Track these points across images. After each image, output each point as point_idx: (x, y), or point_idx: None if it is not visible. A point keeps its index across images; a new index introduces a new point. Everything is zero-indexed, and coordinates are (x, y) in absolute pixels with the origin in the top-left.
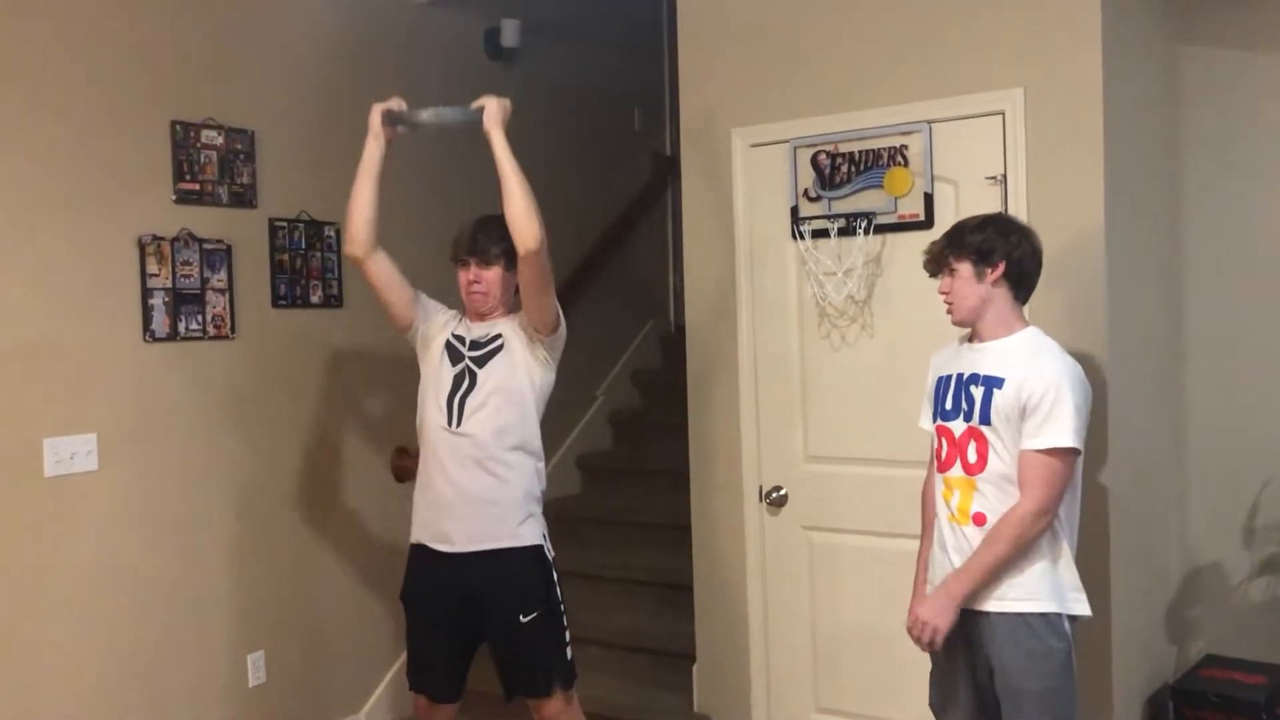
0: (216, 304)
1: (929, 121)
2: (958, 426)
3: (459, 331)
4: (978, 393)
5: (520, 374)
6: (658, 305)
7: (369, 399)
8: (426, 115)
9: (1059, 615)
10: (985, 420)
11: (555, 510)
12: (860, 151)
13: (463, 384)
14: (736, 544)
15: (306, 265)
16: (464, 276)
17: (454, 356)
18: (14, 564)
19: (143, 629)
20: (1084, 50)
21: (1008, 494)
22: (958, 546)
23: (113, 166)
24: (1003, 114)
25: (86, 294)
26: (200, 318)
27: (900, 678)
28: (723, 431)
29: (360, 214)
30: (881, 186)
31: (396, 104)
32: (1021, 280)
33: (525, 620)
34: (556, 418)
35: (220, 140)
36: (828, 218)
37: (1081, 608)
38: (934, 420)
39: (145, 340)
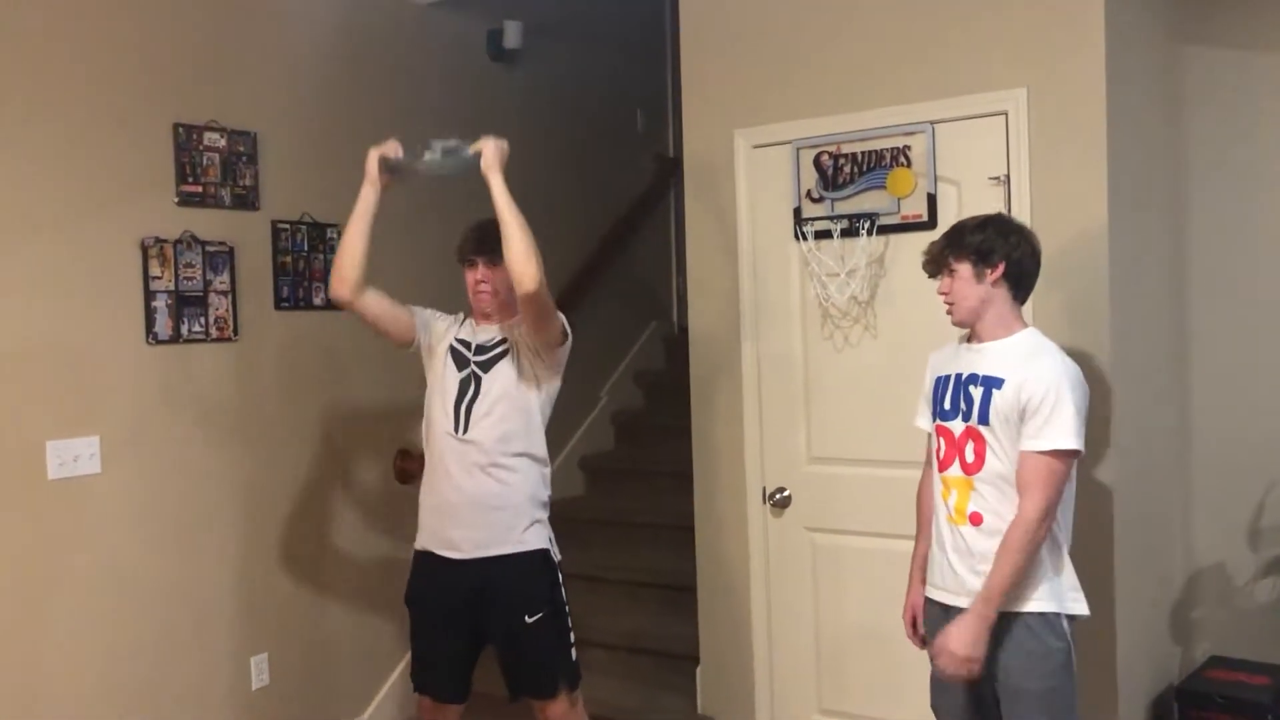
0: (219, 306)
1: (932, 122)
2: (956, 426)
3: (463, 336)
4: (977, 393)
5: (526, 379)
6: (661, 306)
7: (372, 401)
8: (423, 164)
9: (1057, 615)
10: (984, 420)
11: (558, 511)
12: (863, 152)
13: (469, 390)
14: (740, 545)
15: (309, 267)
16: (471, 277)
17: (459, 362)
18: (17, 567)
19: (145, 631)
20: (1087, 50)
21: (1005, 494)
22: (956, 546)
23: (115, 169)
24: (1006, 114)
25: (89, 296)
26: (203, 320)
27: (903, 679)
28: (726, 432)
29: (351, 259)
30: (884, 187)
31: (393, 149)
32: (1021, 281)
33: (530, 621)
34: (559, 419)
35: (222, 142)
36: (830, 219)
37: (1080, 607)
38: (933, 420)
39: (148, 342)
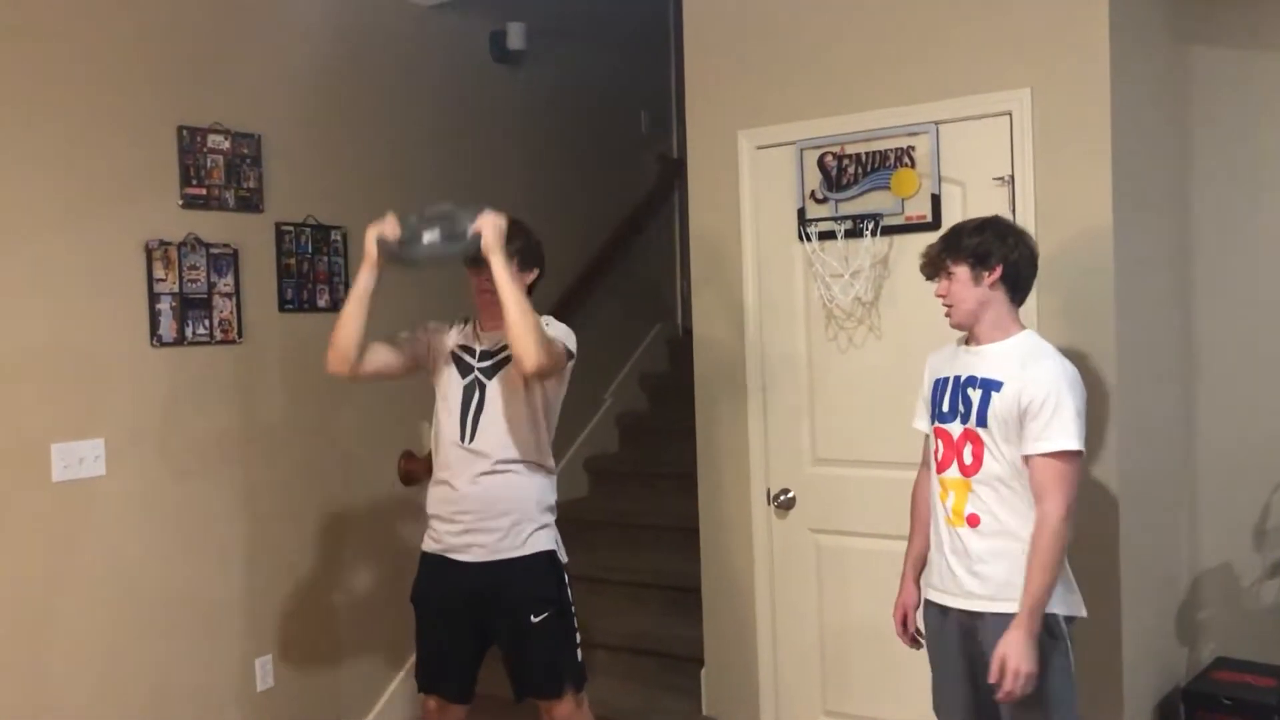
0: (223, 308)
1: (936, 122)
2: (955, 429)
3: (466, 341)
4: (975, 395)
5: (531, 387)
6: (665, 308)
7: (376, 402)
8: (424, 249)
9: (1055, 616)
10: (981, 423)
11: (562, 513)
12: (867, 153)
13: (473, 397)
14: (744, 547)
15: (313, 269)
16: (476, 280)
17: (462, 368)
18: (22, 569)
19: (150, 633)
20: (1091, 50)
21: (1002, 496)
22: (953, 548)
23: (119, 171)
24: (1010, 114)
25: (93, 299)
26: (207, 322)
27: (907, 680)
28: (730, 434)
29: (349, 338)
30: (888, 188)
31: (391, 229)
32: (1018, 283)
33: (536, 620)
34: (564, 421)
35: (226, 145)
36: (834, 219)
37: (1077, 608)
38: (931, 422)
39: (152, 345)
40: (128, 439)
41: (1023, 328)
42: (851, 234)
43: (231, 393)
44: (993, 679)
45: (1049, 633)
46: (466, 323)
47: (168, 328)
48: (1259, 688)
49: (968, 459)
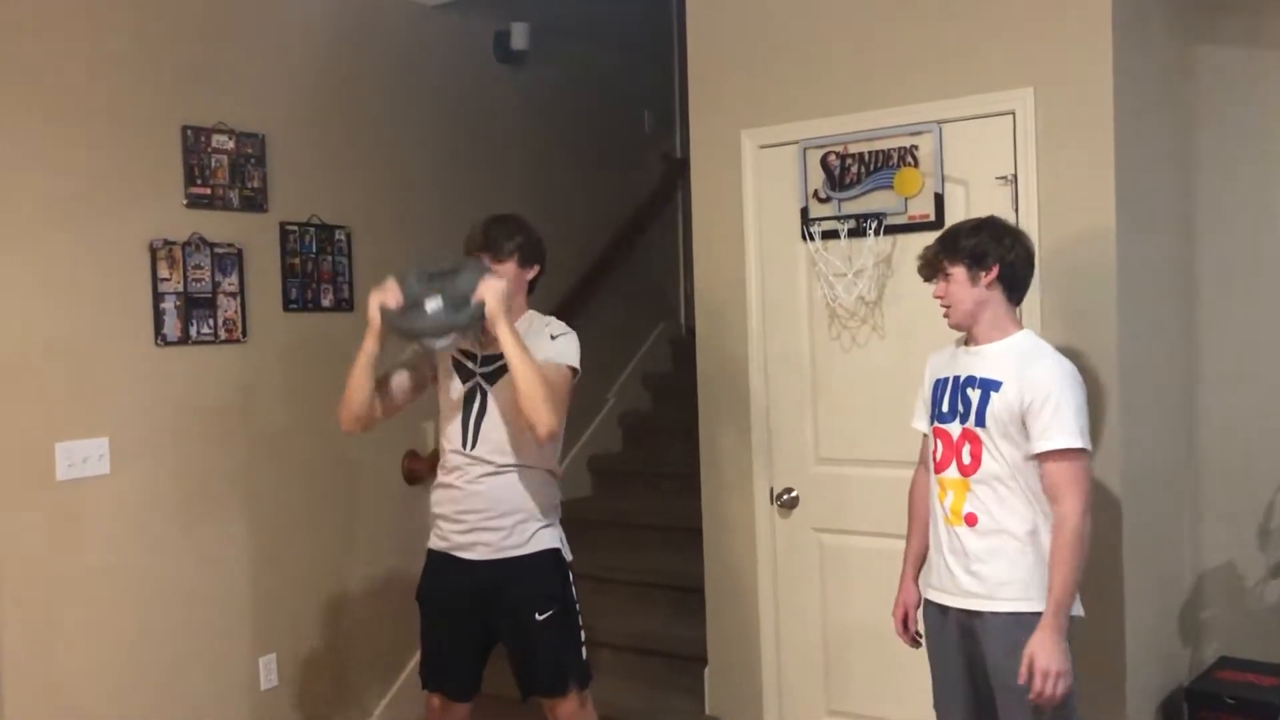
0: (228, 308)
1: (939, 122)
2: (954, 429)
3: (467, 347)
4: (974, 395)
5: None
6: (668, 308)
7: None
8: (428, 321)
9: None
10: (980, 422)
11: (566, 513)
12: (870, 152)
13: (474, 403)
14: (747, 546)
15: (317, 269)
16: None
17: (463, 374)
18: (26, 568)
19: (154, 632)
20: (1094, 49)
21: (1000, 496)
22: (952, 547)
23: (124, 171)
24: (1013, 114)
25: (98, 298)
26: (212, 321)
27: (909, 680)
28: (733, 433)
29: (361, 404)
30: (891, 187)
31: (393, 296)
32: (1015, 283)
33: (541, 618)
34: (567, 421)
35: (231, 144)
36: (838, 219)
37: (1076, 608)
38: (931, 422)
39: (157, 344)
40: (132, 438)
41: (1021, 327)
42: (855, 233)
43: (236, 392)
44: (1021, 680)
45: None
46: None
47: (172, 327)
48: (1262, 687)
49: (966, 459)
